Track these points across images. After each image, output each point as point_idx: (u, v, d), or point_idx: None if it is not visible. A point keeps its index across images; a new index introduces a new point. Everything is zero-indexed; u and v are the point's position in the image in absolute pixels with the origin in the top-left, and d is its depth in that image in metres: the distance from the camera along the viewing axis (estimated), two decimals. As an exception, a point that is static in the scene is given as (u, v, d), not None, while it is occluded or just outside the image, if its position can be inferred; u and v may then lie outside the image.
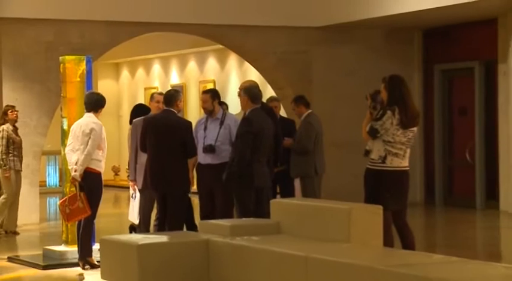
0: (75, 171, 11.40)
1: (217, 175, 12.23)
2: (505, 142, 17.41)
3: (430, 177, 20.07)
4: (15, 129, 15.24)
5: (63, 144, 12.49)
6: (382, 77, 10.67)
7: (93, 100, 11.72)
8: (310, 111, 13.73)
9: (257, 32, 19.09)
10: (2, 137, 15.02)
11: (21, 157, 15.29)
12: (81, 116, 12.12)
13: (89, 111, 11.56)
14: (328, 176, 13.76)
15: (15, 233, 15.00)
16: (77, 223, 11.51)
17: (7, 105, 15.37)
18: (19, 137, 15.22)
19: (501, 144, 17.86)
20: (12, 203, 15.20)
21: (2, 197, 15.15)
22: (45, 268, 11.78)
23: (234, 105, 13.03)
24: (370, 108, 10.54)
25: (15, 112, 15.23)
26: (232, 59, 22.82)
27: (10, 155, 15.07)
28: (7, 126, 15.09)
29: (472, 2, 16.50)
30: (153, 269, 10.07)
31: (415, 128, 10.51)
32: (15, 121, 15.23)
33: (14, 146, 15.10)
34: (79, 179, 11.44)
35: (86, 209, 11.46)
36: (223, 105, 13.16)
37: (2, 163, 15.07)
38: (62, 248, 12.42)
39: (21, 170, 15.30)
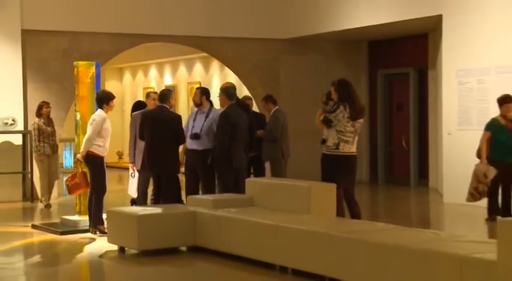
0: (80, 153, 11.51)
1: (200, 158, 12.34)
2: (434, 132, 17.46)
3: (374, 160, 20.07)
4: (50, 121, 15.29)
5: (76, 133, 12.47)
6: (336, 79, 10.87)
7: (97, 98, 11.71)
8: (277, 107, 13.75)
9: (235, 43, 19.00)
10: (34, 129, 15.16)
11: (53, 144, 15.24)
12: (91, 111, 12.10)
13: (100, 107, 11.55)
14: (292, 160, 13.75)
15: (49, 205, 14.93)
16: (88, 197, 11.49)
17: (42, 102, 15.37)
18: (53, 128, 15.26)
19: (430, 134, 17.93)
20: (48, 181, 15.20)
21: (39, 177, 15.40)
22: (62, 233, 11.74)
23: (217, 102, 13.04)
24: (323, 103, 10.70)
25: (49, 108, 15.28)
26: (215, 65, 22.70)
27: (41, 142, 15.07)
28: (38, 120, 15.19)
29: (408, 20, 16.50)
30: (149, 235, 10.13)
31: (361, 120, 10.65)
32: (48, 115, 15.26)
33: (44, 135, 15.09)
34: (81, 160, 11.50)
35: (83, 185, 11.53)
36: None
37: (36, 148, 15.19)
38: (75, 217, 12.37)
39: (52, 155, 15.23)
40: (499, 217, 6.53)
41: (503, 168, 11.67)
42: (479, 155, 11.93)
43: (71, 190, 11.90)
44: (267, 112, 13.77)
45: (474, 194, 11.74)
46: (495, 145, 11.73)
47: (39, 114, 15.28)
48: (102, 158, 11.45)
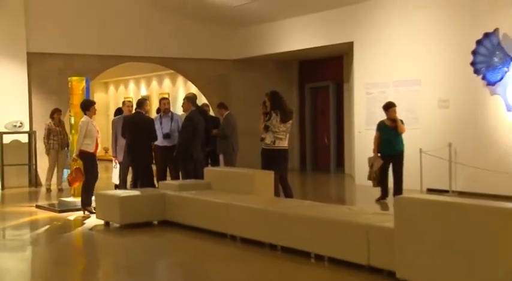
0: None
1: (169, 153, 12.44)
2: (348, 131, 17.59)
3: (303, 153, 20.20)
4: (60, 123, 15.24)
5: (71, 132, 12.60)
6: (269, 91, 11.14)
7: (80, 106, 11.69)
8: (228, 112, 13.77)
9: (195, 62, 19.00)
10: (45, 129, 15.15)
11: (61, 142, 15.11)
12: (82, 116, 12.06)
13: (84, 113, 11.52)
14: (240, 153, 13.79)
15: (61, 190, 14.86)
16: (81, 185, 11.47)
17: (55, 108, 15.34)
18: (62, 129, 15.17)
19: (345, 132, 18.07)
20: (57, 170, 15.22)
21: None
22: (60, 212, 11.70)
23: (180, 109, 13.09)
24: (262, 114, 10.87)
25: (60, 114, 15.27)
26: (180, 80, 22.66)
27: (50, 140, 15.05)
28: (49, 122, 15.19)
29: (328, 45, 16.68)
30: (129, 212, 10.14)
31: (290, 121, 10.88)
32: (60, 119, 15.21)
33: (53, 134, 15.07)
34: (76, 158, 11.58)
35: (78, 178, 11.58)
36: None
37: (45, 145, 15.17)
38: (71, 199, 12.35)
39: (60, 150, 15.12)
40: (398, 196, 6.62)
41: (388, 159, 11.88)
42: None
43: (70, 183, 11.98)
44: (220, 116, 13.79)
45: (373, 181, 11.99)
46: (382, 142, 11.94)
47: (52, 117, 15.23)
48: (91, 153, 11.35)
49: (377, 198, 12.04)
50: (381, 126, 12.12)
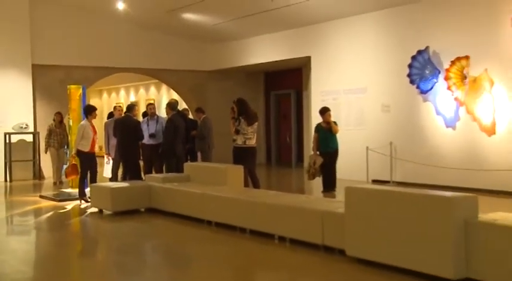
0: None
1: (155, 150, 12.39)
2: (306, 132, 17.54)
3: (269, 150, 20.22)
4: (61, 125, 14.98)
5: (69, 132, 12.69)
6: (236, 98, 11.20)
7: (83, 110, 11.65)
8: (205, 115, 13.69)
9: (177, 73, 18.97)
10: (47, 130, 15.00)
11: (61, 141, 14.90)
12: (80, 118, 12.20)
13: (86, 117, 11.46)
14: (215, 151, 13.75)
15: (61, 182, 14.65)
16: (79, 180, 11.46)
17: (57, 112, 15.18)
18: (62, 130, 14.89)
19: (304, 133, 18.06)
20: (57, 165, 14.96)
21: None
22: (60, 201, 11.59)
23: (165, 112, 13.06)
24: (232, 119, 10.86)
25: (60, 117, 15.04)
26: (164, 88, 22.54)
27: (51, 140, 14.88)
28: (51, 124, 15.03)
29: (289, 59, 16.74)
30: (119, 201, 10.06)
31: (256, 123, 10.89)
32: (60, 121, 14.98)
33: (53, 134, 14.90)
34: (74, 156, 11.62)
35: (72, 172, 11.74)
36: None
37: (46, 143, 14.97)
38: (69, 190, 12.35)
39: (59, 148, 14.91)
40: (347, 186, 6.63)
41: (325, 156, 11.64)
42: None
43: (66, 175, 12.18)
44: (198, 119, 13.72)
45: (309, 175, 11.78)
46: (320, 142, 11.74)
47: (53, 119, 15.10)
48: (87, 152, 11.25)
49: (322, 190, 11.79)
50: (318, 128, 11.92)
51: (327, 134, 11.76)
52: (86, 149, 11.17)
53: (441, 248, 5.46)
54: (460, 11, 12.34)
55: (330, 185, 11.71)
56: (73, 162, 11.88)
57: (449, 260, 5.40)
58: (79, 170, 11.50)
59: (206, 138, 13.36)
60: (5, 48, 16.00)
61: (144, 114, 13.89)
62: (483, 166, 11.85)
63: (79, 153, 11.20)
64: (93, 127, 11.37)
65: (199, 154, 13.56)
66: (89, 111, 11.43)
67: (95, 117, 11.51)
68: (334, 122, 11.84)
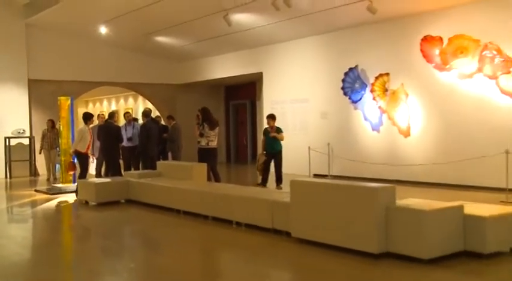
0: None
1: (132, 151, 12.29)
2: (259, 135, 17.41)
3: (228, 150, 20.08)
4: (53, 130, 14.58)
5: (60, 136, 12.47)
6: (200, 107, 11.06)
7: (82, 117, 11.44)
8: (175, 122, 13.60)
9: (151, 86, 18.75)
10: (41, 134, 14.78)
11: (52, 144, 14.53)
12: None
13: (85, 123, 11.31)
14: (184, 151, 13.67)
15: (55, 178, 14.29)
16: (78, 177, 11.27)
17: (49, 119, 14.88)
18: (54, 134, 14.46)
19: (258, 136, 17.97)
20: (51, 165, 14.66)
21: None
22: (52, 194, 11.40)
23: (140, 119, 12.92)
24: (197, 124, 10.73)
25: (51, 123, 14.71)
26: (140, 98, 22.18)
27: (44, 142, 14.63)
28: (45, 129, 14.76)
29: (245, 74, 16.74)
30: (102, 193, 9.94)
31: (217, 128, 10.77)
32: (52, 126, 14.62)
33: (46, 137, 14.63)
34: (72, 154, 11.53)
35: (70, 168, 11.62)
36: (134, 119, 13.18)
37: (40, 145, 14.73)
38: (60, 185, 12.13)
39: (51, 149, 14.56)
40: (292, 179, 6.65)
41: (271, 156, 11.20)
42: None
43: (66, 170, 11.99)
44: (169, 125, 13.62)
45: (258, 171, 11.41)
46: (266, 143, 11.33)
47: (46, 125, 14.85)
48: (84, 153, 11.15)
49: (258, 183, 11.37)
50: (265, 132, 11.51)
51: (269, 137, 11.29)
52: (83, 150, 11.06)
53: (367, 228, 5.55)
54: (382, 35, 12.55)
55: (266, 181, 11.21)
56: (70, 160, 11.69)
57: (373, 238, 5.49)
58: (76, 166, 11.41)
59: (175, 141, 13.28)
60: (5, 66, 15.77)
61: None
62: (401, 162, 12.08)
63: (77, 153, 11.05)
64: (90, 132, 11.26)
65: (169, 154, 13.47)
66: (88, 118, 11.30)
67: (92, 123, 11.46)
68: (279, 128, 11.32)
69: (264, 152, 11.36)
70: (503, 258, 5.47)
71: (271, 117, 11.42)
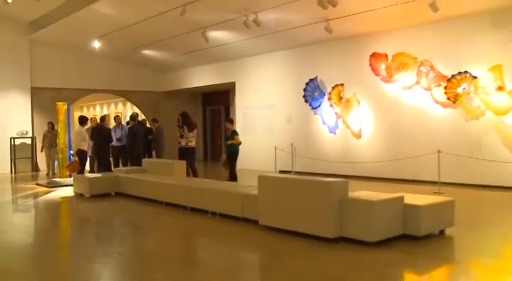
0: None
1: (121, 150, 12.15)
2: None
3: (205, 149, 19.94)
4: (52, 131, 14.30)
5: (58, 137, 12.16)
6: (181, 112, 10.83)
7: (79, 120, 11.35)
8: (159, 124, 13.47)
9: (138, 93, 18.55)
10: (42, 135, 14.64)
11: (52, 143, 14.26)
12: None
13: (81, 125, 11.23)
14: (166, 151, 13.57)
15: (54, 173, 14.08)
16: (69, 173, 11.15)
17: (49, 122, 14.65)
18: (53, 135, 14.17)
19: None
20: (51, 162, 14.43)
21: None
22: (51, 187, 11.21)
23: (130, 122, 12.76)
24: (178, 126, 10.59)
25: (51, 125, 14.47)
26: (128, 104, 21.86)
27: (45, 142, 14.41)
28: (46, 131, 14.55)
29: (220, 83, 16.70)
30: (95, 187, 9.78)
31: (196, 130, 10.61)
32: (52, 127, 14.36)
33: (47, 137, 14.42)
34: (74, 154, 11.34)
35: (75, 168, 11.27)
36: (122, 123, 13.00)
37: (41, 144, 14.56)
38: (58, 179, 11.89)
39: (51, 148, 14.30)
40: (260, 175, 6.65)
41: (228, 155, 10.61)
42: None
43: (71, 171, 11.53)
44: (153, 127, 13.50)
45: (223, 167, 10.77)
46: (224, 145, 10.92)
47: (47, 127, 14.67)
48: (85, 151, 11.07)
49: (228, 179, 10.82)
50: (225, 135, 11.00)
51: (228, 139, 10.83)
52: (85, 148, 11.04)
53: (324, 217, 5.61)
54: (337, 51, 12.69)
55: (233, 170, 10.72)
56: (74, 159, 11.44)
57: (329, 225, 5.55)
58: (79, 167, 11.23)
59: (159, 141, 13.17)
60: (11, 76, 15.61)
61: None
62: (353, 160, 12.22)
63: (80, 151, 10.94)
64: (87, 132, 11.20)
65: (154, 153, 13.36)
66: (84, 121, 11.30)
67: (86, 125, 11.40)
68: (234, 131, 10.66)
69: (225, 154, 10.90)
70: (434, 239, 5.64)
71: (229, 121, 11.00)
